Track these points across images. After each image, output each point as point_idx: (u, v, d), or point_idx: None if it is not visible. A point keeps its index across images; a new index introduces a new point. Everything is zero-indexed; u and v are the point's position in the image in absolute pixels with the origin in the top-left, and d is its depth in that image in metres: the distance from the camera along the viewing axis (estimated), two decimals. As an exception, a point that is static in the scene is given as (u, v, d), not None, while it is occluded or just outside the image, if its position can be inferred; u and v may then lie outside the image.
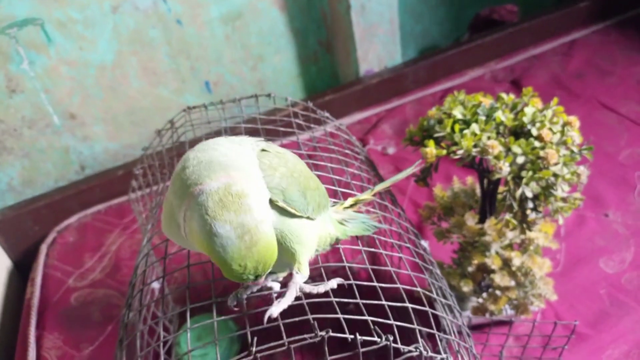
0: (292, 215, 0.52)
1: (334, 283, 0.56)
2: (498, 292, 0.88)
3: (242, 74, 1.64)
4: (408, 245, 0.69)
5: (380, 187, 0.70)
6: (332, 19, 1.63)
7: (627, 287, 1.03)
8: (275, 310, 0.49)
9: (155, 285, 0.93)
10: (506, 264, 0.85)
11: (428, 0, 1.84)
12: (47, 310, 1.15)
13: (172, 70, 1.53)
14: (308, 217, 0.54)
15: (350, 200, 0.68)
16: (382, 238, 0.71)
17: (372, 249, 0.66)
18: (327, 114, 0.91)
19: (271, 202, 0.49)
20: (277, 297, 0.54)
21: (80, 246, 1.32)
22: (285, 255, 0.53)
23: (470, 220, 0.86)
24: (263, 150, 0.53)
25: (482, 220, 0.88)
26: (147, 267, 0.63)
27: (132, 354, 0.64)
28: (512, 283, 0.86)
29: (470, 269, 0.86)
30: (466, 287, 0.87)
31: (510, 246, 0.85)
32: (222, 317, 0.55)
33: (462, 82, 1.73)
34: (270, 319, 0.49)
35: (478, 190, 0.93)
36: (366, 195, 0.69)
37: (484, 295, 0.90)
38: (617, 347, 0.93)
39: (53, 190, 1.48)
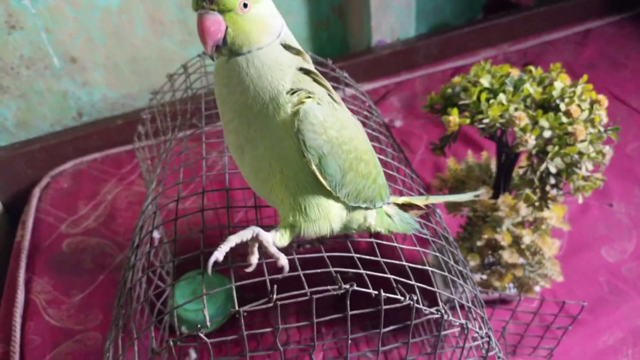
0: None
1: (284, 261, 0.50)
2: (503, 270, 0.87)
3: (251, 33, 1.58)
4: (418, 219, 0.67)
5: (434, 200, 0.67)
6: (348, -16, 1.58)
7: (627, 276, 1.03)
8: (219, 254, 0.47)
9: (156, 234, 0.90)
10: (516, 241, 0.84)
11: (444, -24, 1.80)
12: (38, 255, 1.12)
13: (179, 21, 1.47)
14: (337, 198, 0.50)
15: (402, 199, 0.65)
16: None
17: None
18: (346, 74, 0.88)
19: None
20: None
21: (75, 193, 1.28)
22: (282, 194, 0.49)
23: (484, 194, 0.84)
24: (307, 71, 0.51)
25: (495, 196, 0.86)
26: (155, 212, 0.61)
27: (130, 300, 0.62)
28: (520, 261, 0.85)
29: (479, 243, 0.85)
30: (473, 262, 0.86)
31: (522, 224, 0.84)
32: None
33: (474, 61, 1.69)
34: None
35: (493, 165, 0.91)
36: (420, 202, 0.66)
37: (488, 272, 0.90)
38: (612, 334, 0.93)
39: (48, 135, 1.43)
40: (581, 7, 1.88)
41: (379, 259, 0.51)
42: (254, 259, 0.49)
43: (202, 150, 0.66)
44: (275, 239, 0.49)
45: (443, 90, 0.81)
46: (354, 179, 0.51)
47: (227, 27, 0.46)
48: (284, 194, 0.49)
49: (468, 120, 0.73)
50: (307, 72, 0.51)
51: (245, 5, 0.46)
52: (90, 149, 1.42)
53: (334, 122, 0.48)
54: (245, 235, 0.48)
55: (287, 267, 0.48)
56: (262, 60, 0.48)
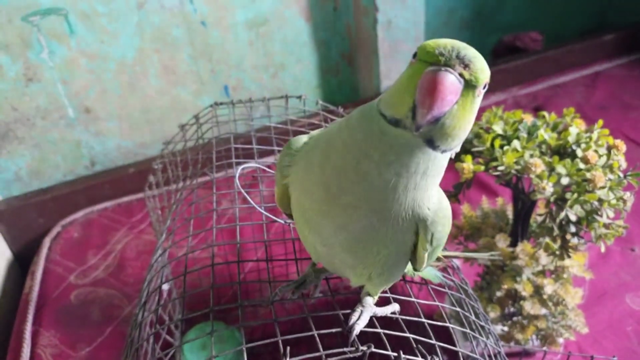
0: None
1: (396, 306, 0.53)
2: (525, 321, 0.83)
3: (262, 81, 1.61)
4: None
5: (451, 254, 0.67)
6: (357, 32, 1.61)
7: (655, 326, 0.99)
8: (357, 328, 0.46)
9: (165, 287, 0.88)
10: (537, 291, 0.80)
11: (451, 24, 1.83)
12: (46, 307, 1.10)
13: (192, 72, 1.51)
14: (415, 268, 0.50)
15: None
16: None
17: None
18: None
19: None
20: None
21: (85, 242, 1.28)
22: (371, 269, 0.47)
23: (502, 242, 0.81)
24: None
25: (513, 244, 0.84)
26: (163, 266, 0.59)
27: (137, 358, 0.60)
28: (543, 312, 0.81)
29: (498, 293, 0.82)
30: (493, 313, 0.82)
31: (542, 273, 0.81)
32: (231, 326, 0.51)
33: (485, 105, 1.69)
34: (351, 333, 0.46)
35: (509, 212, 0.89)
36: (440, 254, 0.64)
37: (510, 323, 0.86)
38: (644, 389, 0.88)
39: (61, 184, 1.44)
40: (589, 50, 1.90)
41: (397, 316, 0.49)
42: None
43: (212, 200, 0.65)
44: (372, 303, 0.51)
45: (455, 137, 0.80)
46: (433, 256, 0.50)
47: (455, 104, 0.37)
48: (374, 269, 0.47)
49: (482, 167, 0.72)
50: None
51: (484, 87, 0.38)
52: (102, 198, 1.42)
53: (450, 215, 0.47)
54: (367, 316, 0.49)
55: (398, 308, 0.52)
56: (439, 166, 0.41)
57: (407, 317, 0.50)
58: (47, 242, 1.28)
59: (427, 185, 0.41)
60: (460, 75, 0.36)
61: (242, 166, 0.61)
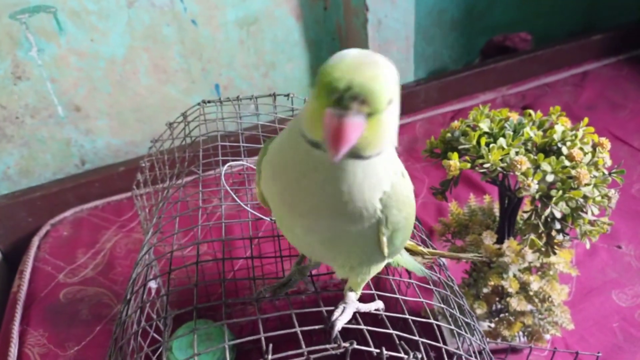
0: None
1: (380, 304, 0.54)
2: (512, 318, 0.84)
3: (253, 80, 1.61)
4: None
5: (437, 253, 0.68)
6: (347, 32, 1.62)
7: (640, 322, 1.00)
8: (339, 324, 0.47)
9: (153, 284, 0.88)
10: (524, 288, 0.81)
11: (441, 24, 1.84)
12: (34, 305, 1.10)
13: (182, 70, 1.50)
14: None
15: (407, 243, 0.65)
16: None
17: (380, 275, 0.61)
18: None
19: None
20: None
21: (74, 241, 1.27)
22: (354, 257, 0.48)
23: (488, 239, 0.82)
24: (403, 175, 0.47)
25: (500, 241, 0.84)
26: (149, 264, 0.59)
27: (123, 355, 0.60)
28: (529, 308, 0.82)
29: (485, 290, 0.82)
30: (480, 310, 0.83)
31: (528, 270, 0.82)
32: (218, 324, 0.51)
33: (474, 104, 1.71)
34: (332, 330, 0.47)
35: (496, 210, 0.90)
36: (424, 250, 0.66)
37: (496, 320, 0.87)
38: (630, 385, 0.89)
39: (50, 182, 1.43)
40: (578, 49, 1.91)
41: (381, 313, 0.49)
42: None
43: (199, 198, 0.65)
44: (355, 299, 0.51)
45: (442, 135, 0.81)
46: (402, 245, 0.51)
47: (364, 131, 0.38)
48: (352, 260, 0.49)
49: (469, 165, 0.72)
50: None
51: (390, 102, 0.38)
52: (91, 196, 1.41)
53: (412, 199, 0.48)
54: (350, 312, 0.49)
55: (382, 306, 0.52)
56: (376, 167, 0.42)
57: (392, 314, 0.50)
58: (36, 241, 1.27)
59: (372, 182, 0.42)
60: (360, 111, 0.36)
61: (229, 164, 0.61)
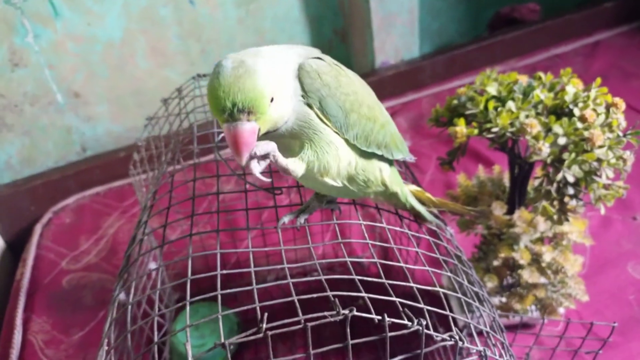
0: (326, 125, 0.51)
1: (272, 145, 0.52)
2: (524, 291, 0.81)
3: (254, 60, 1.58)
4: (427, 236, 0.62)
5: (444, 204, 0.69)
6: (350, 6, 1.57)
7: (658, 293, 0.96)
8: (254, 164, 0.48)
9: (152, 266, 0.86)
10: (535, 259, 0.78)
11: (447, -4, 1.78)
12: (37, 293, 1.08)
13: (181, 52, 1.47)
14: (346, 139, 0.53)
15: (413, 187, 0.66)
16: (398, 229, 0.64)
17: (384, 244, 0.58)
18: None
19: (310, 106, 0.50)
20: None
21: (76, 228, 1.26)
22: (294, 144, 0.52)
23: (498, 209, 0.79)
24: (318, 58, 0.52)
25: (510, 212, 0.81)
26: (144, 236, 0.57)
27: (123, 338, 0.57)
28: (541, 280, 0.79)
29: (495, 262, 0.79)
30: (490, 283, 0.80)
31: (540, 240, 0.78)
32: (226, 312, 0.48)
33: (481, 78, 1.66)
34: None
35: (506, 180, 0.86)
36: (430, 198, 0.67)
37: (508, 293, 0.84)
38: (648, 357, 0.86)
39: (51, 170, 1.42)
40: (588, 19, 1.85)
41: (383, 280, 0.46)
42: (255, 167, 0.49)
43: (193, 174, 0.63)
44: (289, 161, 0.51)
45: (448, 102, 0.77)
46: (359, 121, 0.53)
47: (259, 129, 0.46)
48: (307, 146, 0.52)
49: (476, 131, 0.69)
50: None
51: (272, 100, 0.46)
52: (93, 183, 1.40)
53: (329, 71, 0.51)
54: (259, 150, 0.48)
55: (299, 172, 0.50)
56: (290, 126, 0.50)
57: (396, 282, 0.47)
58: (38, 228, 1.26)
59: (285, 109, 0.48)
60: (249, 119, 0.44)
61: (222, 134, 0.58)
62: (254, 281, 0.46)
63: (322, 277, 0.46)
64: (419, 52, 1.69)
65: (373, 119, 0.55)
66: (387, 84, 1.61)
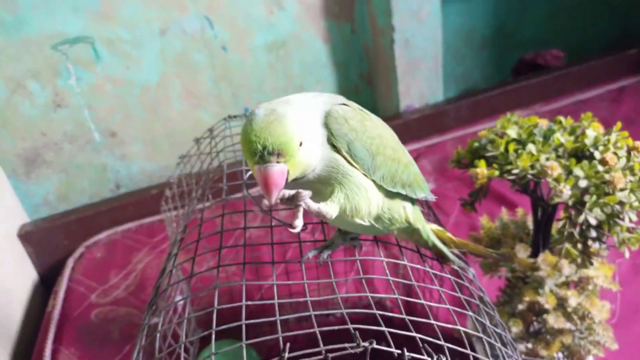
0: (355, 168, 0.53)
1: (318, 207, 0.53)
2: (550, 337, 0.80)
3: (282, 103, 1.63)
4: (449, 275, 0.63)
5: (464, 245, 0.69)
6: (375, 52, 1.63)
7: (693, 344, 0.93)
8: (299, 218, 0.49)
9: (179, 299, 0.88)
10: (561, 304, 0.77)
11: (471, 42, 1.83)
12: (67, 325, 1.11)
13: (213, 95, 1.54)
14: (373, 180, 0.54)
15: (434, 227, 0.67)
16: (419, 266, 0.65)
17: (406, 281, 0.58)
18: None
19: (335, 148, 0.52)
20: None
21: (107, 262, 1.29)
22: (325, 189, 0.53)
23: (522, 252, 0.79)
24: (343, 104, 0.54)
25: (534, 254, 0.81)
26: (173, 268, 0.59)
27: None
28: (567, 326, 0.77)
29: (520, 307, 0.78)
30: (515, 328, 0.79)
31: (566, 284, 0.78)
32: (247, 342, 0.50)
33: (506, 122, 1.68)
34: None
35: (529, 222, 0.86)
36: (451, 237, 0.68)
37: (534, 340, 0.82)
38: (685, 411, 0.82)
39: (86, 206, 1.47)
40: (613, 64, 1.86)
41: (404, 316, 0.47)
42: (298, 222, 0.51)
43: (222, 210, 0.65)
44: (322, 205, 0.52)
45: (470, 144, 0.79)
46: (385, 162, 0.55)
47: (288, 172, 0.48)
48: (337, 191, 0.53)
49: (497, 172, 0.70)
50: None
51: (300, 144, 0.48)
52: (125, 219, 1.44)
53: (355, 116, 0.53)
54: (289, 192, 0.50)
55: (332, 214, 0.51)
56: (318, 172, 0.52)
57: (416, 319, 0.48)
58: (70, 262, 1.30)
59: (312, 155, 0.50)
60: (279, 161, 0.47)
61: (250, 172, 0.61)
62: (277, 312, 0.48)
63: (344, 311, 0.47)
64: (444, 96, 1.72)
65: (397, 160, 0.57)
66: (412, 127, 1.64)
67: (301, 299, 0.50)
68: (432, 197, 0.64)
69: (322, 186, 0.53)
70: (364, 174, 0.54)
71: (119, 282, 1.22)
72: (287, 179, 0.48)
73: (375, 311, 0.48)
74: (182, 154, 0.85)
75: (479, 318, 0.56)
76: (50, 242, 1.39)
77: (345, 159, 0.52)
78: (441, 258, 0.67)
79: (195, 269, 0.58)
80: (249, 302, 0.48)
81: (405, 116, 1.64)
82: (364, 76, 1.70)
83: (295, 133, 0.47)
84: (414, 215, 0.60)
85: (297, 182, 0.51)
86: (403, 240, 0.64)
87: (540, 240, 0.81)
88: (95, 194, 1.51)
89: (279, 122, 0.46)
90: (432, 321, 0.49)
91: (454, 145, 1.61)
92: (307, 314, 0.46)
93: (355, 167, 0.53)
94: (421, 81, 1.63)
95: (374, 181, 0.55)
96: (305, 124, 0.49)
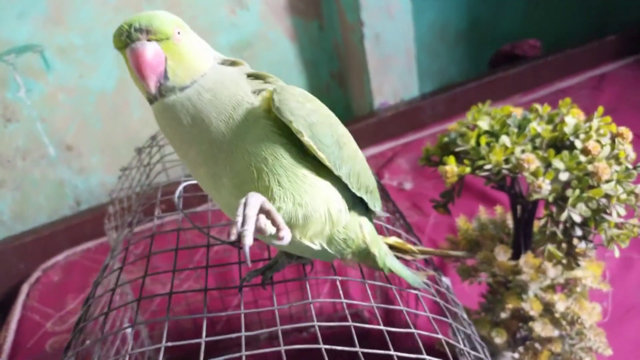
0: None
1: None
2: (538, 345, 0.72)
3: (250, 106, 1.55)
4: (417, 292, 0.55)
5: (427, 251, 0.59)
6: (345, 49, 1.56)
7: (691, 343, 0.86)
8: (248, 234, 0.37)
9: (129, 331, 0.79)
10: (548, 309, 0.70)
11: (445, 37, 1.76)
12: (18, 358, 1.02)
13: (175, 101, 1.45)
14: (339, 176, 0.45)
15: (393, 239, 0.57)
16: (389, 285, 0.57)
17: (384, 284, 0.51)
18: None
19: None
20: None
21: (64, 286, 1.20)
22: (277, 194, 0.42)
23: (502, 255, 0.71)
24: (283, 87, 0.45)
25: (516, 256, 0.73)
26: (116, 286, 0.51)
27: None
28: (556, 333, 0.70)
29: (503, 315, 0.71)
30: (499, 338, 0.72)
31: (552, 287, 0.71)
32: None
33: (484, 116, 1.61)
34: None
35: (509, 221, 0.79)
36: (411, 248, 0.58)
37: (521, 349, 0.75)
38: (687, 418, 0.76)
39: (42, 225, 1.38)
40: (592, 52, 1.81)
41: (382, 327, 0.40)
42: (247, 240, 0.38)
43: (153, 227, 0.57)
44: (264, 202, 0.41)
45: (440, 139, 0.72)
46: (350, 157, 0.46)
47: (166, 59, 0.42)
48: (279, 193, 0.42)
49: (468, 169, 0.63)
50: (256, 76, 0.47)
51: (178, 33, 0.43)
52: (84, 238, 1.35)
53: (312, 98, 0.45)
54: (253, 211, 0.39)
55: (288, 238, 0.40)
56: (211, 83, 0.43)
57: (394, 329, 0.41)
58: (25, 288, 1.21)
59: (231, 93, 0.43)
60: (149, 40, 0.41)
61: (184, 184, 0.53)
62: (243, 347, 0.40)
63: (316, 324, 0.40)
64: (419, 92, 1.66)
65: (360, 159, 0.48)
66: (387, 125, 1.57)
67: (272, 329, 0.42)
68: (384, 214, 0.55)
69: (246, 175, 0.42)
70: (326, 171, 0.44)
71: (77, 307, 1.13)
72: (165, 69, 0.41)
73: (351, 323, 0.41)
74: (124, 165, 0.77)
75: (449, 341, 0.49)
76: (3, 267, 1.29)
77: (309, 146, 0.42)
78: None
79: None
80: (208, 339, 0.41)
81: (379, 114, 1.57)
82: (335, 74, 1.62)
83: (169, 17, 0.42)
84: (371, 235, 0.50)
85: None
86: (353, 267, 0.54)
87: (522, 240, 0.73)
88: (53, 211, 1.42)
89: (152, 12, 0.42)
90: (412, 330, 0.41)
91: (430, 142, 1.54)
92: (275, 328, 0.39)
93: (321, 157, 0.43)
94: (394, 77, 1.56)
95: (338, 180, 0.45)
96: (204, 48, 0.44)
